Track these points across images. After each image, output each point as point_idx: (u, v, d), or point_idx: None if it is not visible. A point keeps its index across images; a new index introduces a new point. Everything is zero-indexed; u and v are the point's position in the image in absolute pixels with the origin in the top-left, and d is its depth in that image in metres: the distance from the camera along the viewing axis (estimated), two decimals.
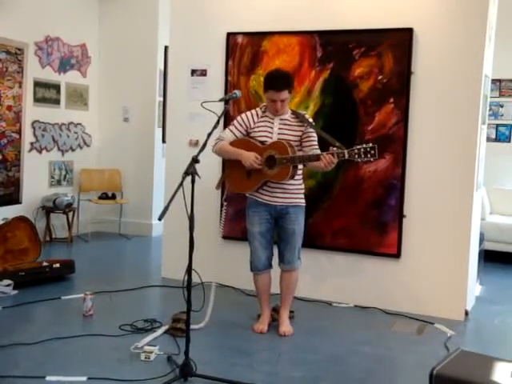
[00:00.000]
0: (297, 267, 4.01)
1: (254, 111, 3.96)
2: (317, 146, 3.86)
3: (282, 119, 3.86)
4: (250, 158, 3.75)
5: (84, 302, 4.19)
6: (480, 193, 4.87)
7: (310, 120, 3.92)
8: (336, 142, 3.69)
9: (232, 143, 3.88)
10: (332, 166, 3.63)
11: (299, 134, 3.86)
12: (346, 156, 3.53)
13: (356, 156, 3.51)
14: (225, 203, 4.18)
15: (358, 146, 3.51)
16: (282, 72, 3.96)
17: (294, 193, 3.89)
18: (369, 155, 3.49)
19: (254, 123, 3.90)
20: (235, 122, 3.95)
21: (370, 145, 3.49)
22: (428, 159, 4.47)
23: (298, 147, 3.84)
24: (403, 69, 4.45)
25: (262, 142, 3.82)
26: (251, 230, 3.97)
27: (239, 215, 4.71)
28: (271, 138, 3.82)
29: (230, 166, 3.96)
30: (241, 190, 4.00)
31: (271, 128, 3.85)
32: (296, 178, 3.85)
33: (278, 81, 3.76)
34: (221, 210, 5.05)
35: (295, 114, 3.91)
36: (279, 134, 3.82)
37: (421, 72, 4.44)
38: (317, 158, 3.63)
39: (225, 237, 4.80)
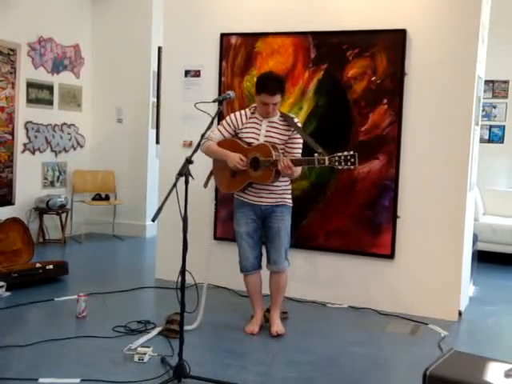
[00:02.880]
0: (284, 268, 3.99)
1: (243, 112, 3.97)
2: (297, 153, 3.86)
3: (270, 121, 3.86)
4: (234, 159, 3.76)
5: (77, 303, 4.17)
6: (473, 193, 4.88)
7: (299, 125, 3.91)
8: (319, 148, 3.68)
9: (219, 143, 3.90)
10: (289, 172, 3.63)
11: (285, 137, 3.85)
12: (327, 163, 3.53)
13: (336, 163, 3.52)
14: (214, 202, 4.16)
15: (339, 154, 3.52)
16: (276, 75, 3.93)
17: (279, 193, 3.90)
18: (349, 163, 3.50)
19: (243, 124, 3.91)
20: (224, 122, 3.97)
21: (351, 153, 3.50)
22: (421, 160, 4.48)
23: (282, 150, 3.83)
24: (397, 70, 4.46)
25: (249, 144, 3.83)
26: (238, 231, 3.98)
27: (232, 216, 4.70)
28: (258, 139, 3.82)
29: (217, 165, 3.99)
30: (226, 189, 4.03)
31: (259, 130, 3.85)
32: (281, 179, 3.85)
33: (272, 84, 3.74)
34: (215, 211, 5.06)
35: (284, 116, 3.90)
36: (266, 136, 3.82)
37: (414, 73, 4.45)
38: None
39: (218, 238, 4.80)
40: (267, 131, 3.84)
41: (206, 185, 4.09)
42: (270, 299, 4.07)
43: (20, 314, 4.27)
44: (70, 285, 5.11)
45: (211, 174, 4.08)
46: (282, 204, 3.92)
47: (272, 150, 3.71)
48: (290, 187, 3.99)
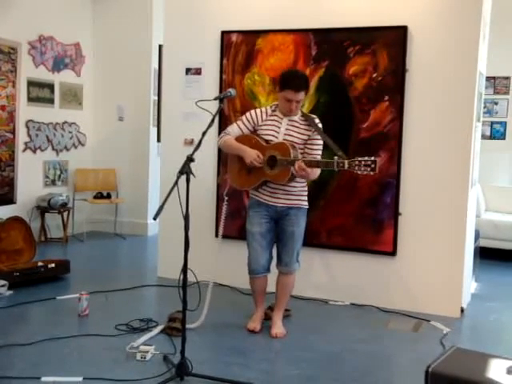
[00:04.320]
0: (294, 270, 3.96)
1: (263, 109, 3.93)
2: (317, 154, 3.81)
3: (290, 120, 3.81)
4: (251, 155, 3.72)
5: (79, 302, 4.17)
6: (475, 190, 4.88)
7: (320, 125, 3.85)
8: (339, 151, 3.65)
9: (237, 138, 3.85)
10: (303, 174, 3.60)
11: (305, 137, 3.80)
12: (346, 166, 3.50)
13: (356, 167, 3.48)
14: (226, 198, 4.11)
15: (360, 158, 3.48)
16: (301, 72, 3.95)
17: (295, 194, 3.84)
18: (369, 168, 3.46)
19: (262, 121, 3.86)
20: (244, 117, 3.93)
21: (372, 158, 3.47)
22: (423, 157, 4.47)
23: (302, 151, 3.80)
24: (398, 66, 4.45)
25: (267, 141, 3.79)
26: (251, 231, 3.91)
27: (235, 214, 4.70)
28: (277, 137, 3.78)
29: (232, 160, 3.94)
30: (239, 185, 3.97)
31: (278, 128, 3.80)
32: (298, 179, 3.80)
33: (297, 80, 3.71)
34: (216, 209, 5.06)
35: (305, 116, 3.86)
36: (285, 134, 3.78)
37: (415, 70, 4.44)
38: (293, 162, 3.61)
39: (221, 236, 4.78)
40: (287, 129, 3.79)
41: (220, 181, 4.05)
42: (275, 298, 4.05)
43: (22, 312, 4.28)
44: (71, 283, 5.11)
45: (226, 170, 4.04)
46: (297, 206, 3.85)
47: (291, 149, 3.68)
48: (306, 188, 3.92)
